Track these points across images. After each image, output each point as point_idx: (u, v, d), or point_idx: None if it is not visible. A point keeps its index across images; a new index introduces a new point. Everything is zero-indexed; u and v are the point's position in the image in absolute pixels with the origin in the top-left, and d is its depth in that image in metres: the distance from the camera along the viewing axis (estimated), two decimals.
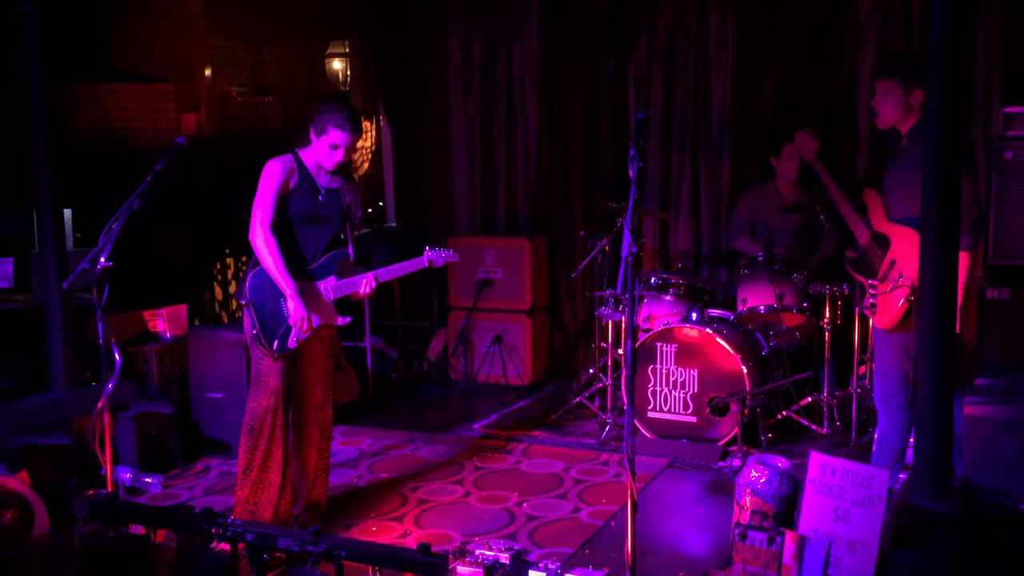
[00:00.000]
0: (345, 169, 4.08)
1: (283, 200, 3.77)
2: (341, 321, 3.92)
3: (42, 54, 4.59)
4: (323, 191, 3.86)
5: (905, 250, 3.72)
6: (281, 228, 3.77)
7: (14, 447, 4.12)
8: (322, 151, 3.79)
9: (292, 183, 3.79)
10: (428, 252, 4.01)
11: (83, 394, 4.62)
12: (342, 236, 3.94)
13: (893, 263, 3.78)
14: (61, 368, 4.69)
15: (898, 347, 3.78)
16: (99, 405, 3.43)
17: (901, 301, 3.70)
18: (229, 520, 3.16)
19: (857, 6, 5.54)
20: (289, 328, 3.75)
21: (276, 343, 3.75)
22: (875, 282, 3.81)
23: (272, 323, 3.76)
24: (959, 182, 3.21)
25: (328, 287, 3.85)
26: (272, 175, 3.76)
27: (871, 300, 3.82)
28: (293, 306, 3.71)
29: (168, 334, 5.46)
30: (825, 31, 5.75)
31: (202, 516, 3.20)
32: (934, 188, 3.15)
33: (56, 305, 4.68)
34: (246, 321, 3.80)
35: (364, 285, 3.85)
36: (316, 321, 3.77)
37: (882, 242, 3.85)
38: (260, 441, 3.81)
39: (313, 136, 3.81)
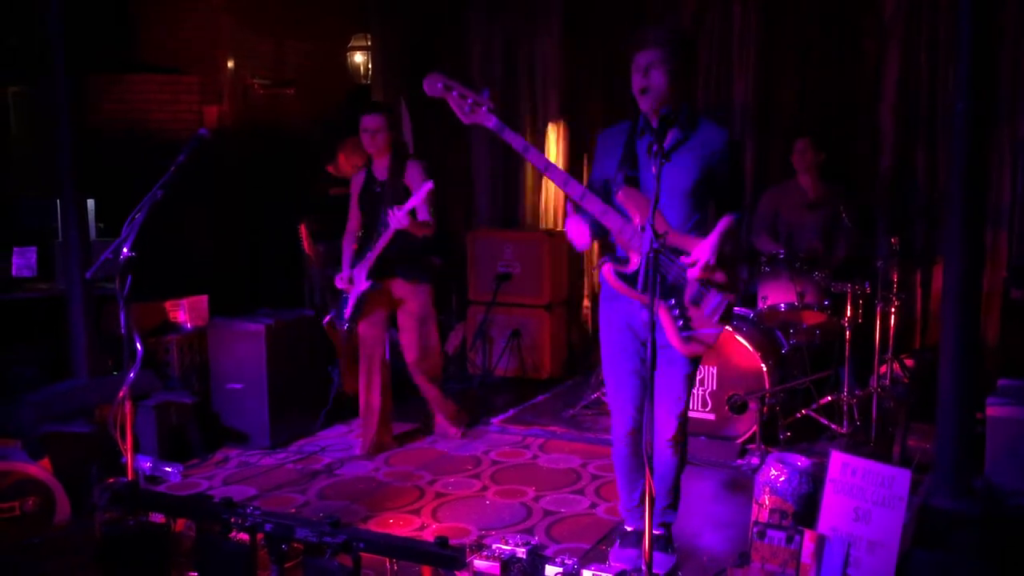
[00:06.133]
0: (401, 152, 4.75)
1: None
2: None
3: (68, 44, 4.62)
4: (377, 182, 4.69)
5: None
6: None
7: (36, 434, 4.16)
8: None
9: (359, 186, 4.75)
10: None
11: (105, 383, 4.66)
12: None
13: None
14: (84, 357, 4.72)
15: None
16: (120, 394, 3.45)
17: None
18: (248, 510, 3.18)
19: (883, 4, 5.49)
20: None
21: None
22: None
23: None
24: (985, 184, 3.18)
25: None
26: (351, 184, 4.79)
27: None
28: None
29: (189, 324, 5.49)
30: (849, 28, 5.70)
31: (221, 506, 3.22)
32: (960, 190, 3.12)
33: (79, 294, 4.71)
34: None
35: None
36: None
37: None
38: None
39: None
